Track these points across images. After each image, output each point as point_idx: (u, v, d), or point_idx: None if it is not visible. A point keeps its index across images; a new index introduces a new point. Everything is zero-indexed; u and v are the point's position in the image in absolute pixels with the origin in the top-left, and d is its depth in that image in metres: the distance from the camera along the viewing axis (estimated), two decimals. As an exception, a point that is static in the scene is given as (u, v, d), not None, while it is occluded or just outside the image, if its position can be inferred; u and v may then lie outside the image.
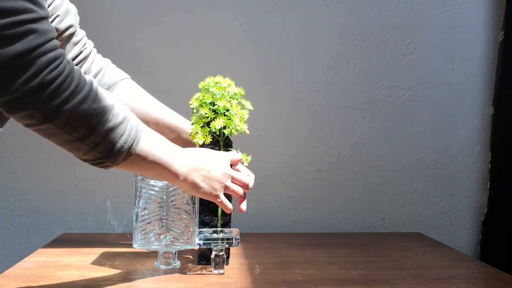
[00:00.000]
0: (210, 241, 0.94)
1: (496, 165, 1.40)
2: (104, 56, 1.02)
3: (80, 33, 0.95)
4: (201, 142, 0.94)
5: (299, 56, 1.38)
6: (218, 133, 0.97)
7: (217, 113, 0.95)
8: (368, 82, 1.41)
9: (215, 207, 1.00)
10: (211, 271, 0.97)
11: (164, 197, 0.97)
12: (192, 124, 0.97)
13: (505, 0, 1.38)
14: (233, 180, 0.91)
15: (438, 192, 1.44)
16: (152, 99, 1.03)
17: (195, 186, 0.85)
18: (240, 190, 0.91)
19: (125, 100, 0.96)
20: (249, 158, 0.98)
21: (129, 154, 0.74)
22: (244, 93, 0.99)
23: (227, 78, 0.99)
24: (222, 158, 0.90)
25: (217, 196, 0.88)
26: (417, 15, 1.41)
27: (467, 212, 1.45)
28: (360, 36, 1.39)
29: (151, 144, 0.78)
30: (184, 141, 1.02)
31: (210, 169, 0.86)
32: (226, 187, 0.89)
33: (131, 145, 0.74)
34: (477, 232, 1.45)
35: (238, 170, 0.95)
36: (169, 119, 1.01)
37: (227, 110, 0.96)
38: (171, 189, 0.96)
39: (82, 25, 0.97)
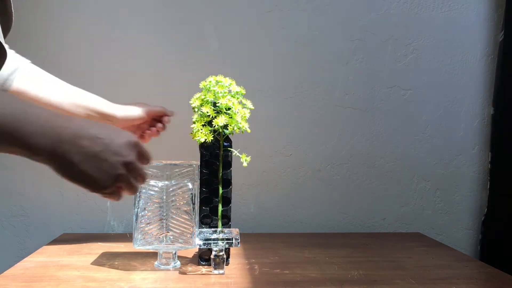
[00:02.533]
0: (210, 241, 0.94)
1: (496, 165, 1.40)
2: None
3: None
4: (202, 140, 0.94)
5: (299, 56, 1.38)
6: (220, 131, 0.97)
7: (219, 112, 0.96)
8: (368, 82, 1.41)
9: (215, 206, 1.00)
10: (211, 271, 0.97)
11: (164, 197, 0.97)
12: (194, 122, 0.97)
13: (505, 0, 1.38)
14: (133, 170, 0.65)
15: (438, 192, 1.44)
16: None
17: (68, 165, 0.60)
18: (135, 187, 0.66)
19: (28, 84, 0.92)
20: (249, 158, 0.98)
21: None
22: (245, 92, 1.00)
23: (227, 78, 0.99)
24: (123, 136, 0.64)
25: (104, 188, 0.62)
26: (417, 15, 1.41)
27: (467, 212, 1.45)
28: (360, 36, 1.40)
29: None
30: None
31: (102, 147, 0.61)
32: (120, 177, 0.63)
33: None
34: (477, 232, 1.45)
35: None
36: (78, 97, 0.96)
37: (229, 109, 0.96)
38: (171, 189, 0.97)
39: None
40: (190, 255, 1.09)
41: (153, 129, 1.07)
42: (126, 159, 0.63)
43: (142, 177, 0.66)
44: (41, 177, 1.34)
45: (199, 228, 0.99)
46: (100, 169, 0.61)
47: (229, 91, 0.98)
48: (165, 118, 1.06)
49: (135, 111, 1.02)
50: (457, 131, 1.44)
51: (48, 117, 0.59)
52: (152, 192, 0.97)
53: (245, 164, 0.98)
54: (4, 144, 0.57)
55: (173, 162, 1.00)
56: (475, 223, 1.45)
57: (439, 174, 1.44)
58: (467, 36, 1.43)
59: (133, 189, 0.65)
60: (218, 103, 0.95)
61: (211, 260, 0.96)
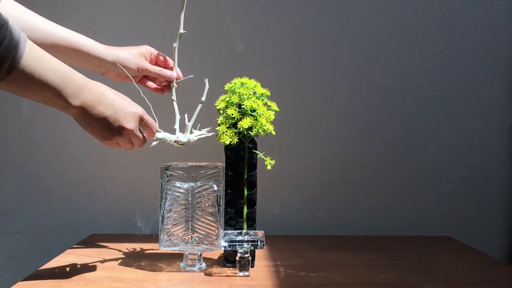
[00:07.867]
0: (235, 243, 0.94)
1: (528, 167, 1.36)
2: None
3: None
4: (227, 142, 0.95)
5: (325, 58, 1.37)
6: (245, 133, 0.97)
7: (244, 114, 0.96)
8: (395, 83, 1.39)
9: (241, 208, 1.00)
10: (236, 273, 0.97)
11: (190, 199, 0.97)
12: (219, 124, 0.97)
13: (538, -3, 1.34)
14: (131, 135, 0.86)
15: (468, 194, 1.41)
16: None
17: (87, 121, 0.80)
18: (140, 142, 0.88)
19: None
20: (273, 162, 0.98)
21: (11, 67, 0.66)
22: (270, 94, 0.99)
23: (252, 80, 0.99)
24: (131, 108, 0.85)
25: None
26: (446, 14, 1.38)
27: (498, 215, 1.42)
28: (387, 36, 1.38)
29: (39, 60, 0.70)
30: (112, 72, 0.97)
31: (117, 105, 0.82)
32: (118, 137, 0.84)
33: (14, 56, 0.65)
34: (508, 236, 1.41)
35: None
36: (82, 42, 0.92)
37: (254, 111, 0.96)
38: (196, 191, 0.97)
39: None
40: (216, 257, 1.09)
41: (152, 85, 1.04)
42: (126, 126, 0.84)
43: (140, 142, 0.89)
44: (70, 178, 1.37)
45: (224, 230, 0.99)
46: (105, 127, 0.82)
47: (254, 93, 0.98)
48: (163, 79, 1.02)
49: (127, 61, 0.97)
50: (488, 132, 1.40)
51: (82, 83, 0.77)
52: (177, 194, 0.97)
53: (269, 167, 0.98)
54: (50, 98, 0.74)
55: (199, 163, 1.01)
56: (507, 227, 1.41)
57: (469, 176, 1.41)
58: (497, 35, 1.39)
59: (132, 145, 0.89)
60: (243, 105, 0.95)
61: (237, 262, 0.96)
